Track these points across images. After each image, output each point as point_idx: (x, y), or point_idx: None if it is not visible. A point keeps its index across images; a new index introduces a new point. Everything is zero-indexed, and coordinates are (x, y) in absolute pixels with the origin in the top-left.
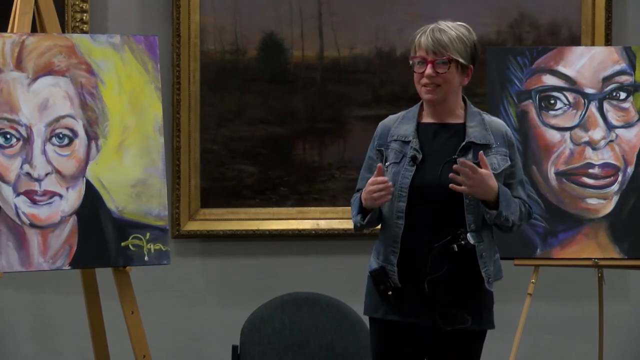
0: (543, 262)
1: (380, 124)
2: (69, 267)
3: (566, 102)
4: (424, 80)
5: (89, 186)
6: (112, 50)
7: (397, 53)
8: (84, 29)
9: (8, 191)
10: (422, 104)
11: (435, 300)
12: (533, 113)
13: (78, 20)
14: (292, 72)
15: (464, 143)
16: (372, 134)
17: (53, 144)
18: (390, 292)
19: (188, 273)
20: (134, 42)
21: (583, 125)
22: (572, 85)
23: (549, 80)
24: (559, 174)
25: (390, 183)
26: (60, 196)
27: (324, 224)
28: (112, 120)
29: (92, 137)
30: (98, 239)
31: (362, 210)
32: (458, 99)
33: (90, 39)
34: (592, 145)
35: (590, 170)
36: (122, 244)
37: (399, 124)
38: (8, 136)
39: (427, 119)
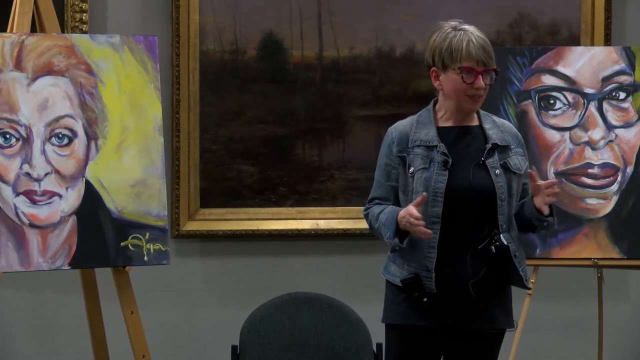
0: (543, 262)
1: (392, 129)
2: (69, 267)
3: (566, 102)
4: (472, 92)
5: (89, 186)
6: (112, 50)
7: (396, 53)
8: (84, 29)
9: (7, 191)
10: (434, 108)
11: (476, 302)
12: (532, 113)
13: (77, 20)
14: (291, 72)
15: (489, 145)
16: (372, 134)
17: (52, 144)
18: (425, 299)
19: (187, 273)
20: (133, 42)
21: (582, 125)
22: (572, 85)
23: (549, 80)
24: (558, 174)
25: (422, 191)
26: (60, 196)
27: (323, 224)
28: (112, 120)
29: (91, 137)
30: (97, 239)
31: (399, 233)
32: None
33: (90, 39)
34: (592, 145)
35: (590, 170)
36: (122, 244)
37: (418, 129)
38: (7, 136)
39: (445, 123)
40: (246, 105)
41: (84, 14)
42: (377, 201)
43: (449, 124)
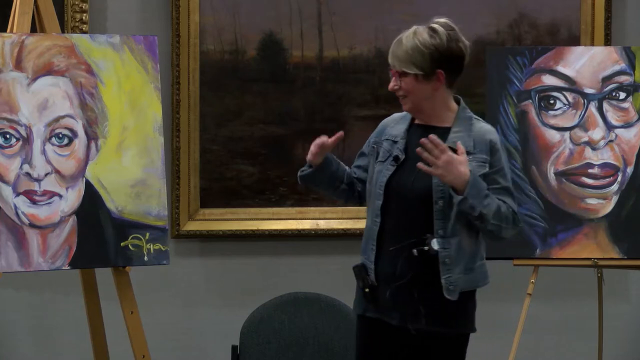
0: (542, 262)
1: (383, 120)
2: (69, 267)
3: (566, 102)
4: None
5: (89, 186)
6: (112, 50)
7: None
8: (84, 29)
9: (7, 191)
10: None
11: (403, 301)
12: (532, 113)
13: (77, 20)
14: (291, 72)
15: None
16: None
17: (53, 144)
18: (367, 290)
19: (187, 273)
20: (133, 42)
21: (582, 125)
22: (572, 85)
23: (549, 80)
24: (558, 174)
25: (319, 141)
26: (60, 196)
27: (323, 224)
28: (112, 120)
29: (91, 137)
30: (97, 239)
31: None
32: (438, 105)
33: (90, 39)
34: (592, 145)
35: (590, 170)
36: (122, 244)
37: (396, 124)
38: (8, 136)
39: (419, 121)
40: (246, 105)
41: (84, 14)
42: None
43: (420, 122)
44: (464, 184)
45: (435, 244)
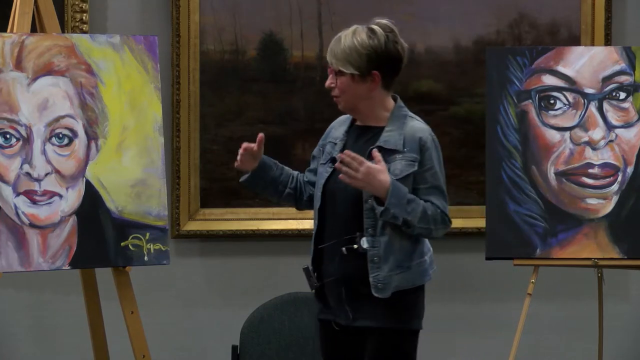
0: (542, 262)
1: (331, 124)
2: (69, 267)
3: (566, 102)
4: (332, 92)
5: (89, 186)
6: (112, 50)
7: None
8: (84, 29)
9: (8, 191)
10: None
11: (339, 300)
12: (533, 113)
13: (78, 20)
14: (291, 72)
15: (371, 147)
16: None
17: (53, 144)
18: (313, 290)
19: (188, 273)
20: (133, 42)
21: (583, 125)
22: (572, 85)
23: (549, 80)
24: (558, 174)
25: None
26: (60, 196)
27: None
28: (112, 120)
29: (91, 137)
30: (98, 239)
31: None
32: (373, 105)
33: (90, 39)
34: (592, 145)
35: (590, 170)
36: (122, 244)
37: (339, 126)
38: (8, 136)
39: (359, 122)
40: (246, 105)
41: (84, 14)
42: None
43: (359, 123)
44: (385, 193)
45: (364, 243)
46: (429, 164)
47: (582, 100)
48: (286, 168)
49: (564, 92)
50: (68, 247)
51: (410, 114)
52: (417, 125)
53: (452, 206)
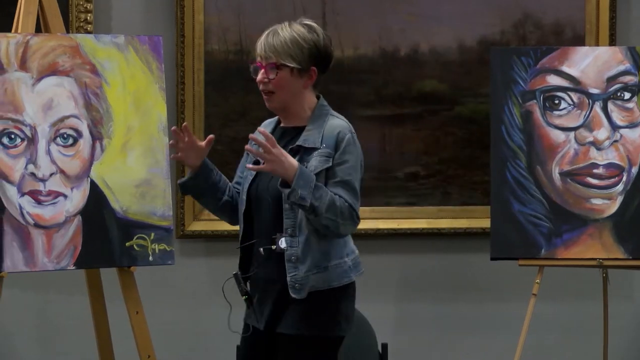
0: (547, 262)
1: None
2: (74, 267)
3: (570, 102)
4: (260, 87)
5: (94, 186)
6: (116, 50)
7: (400, 53)
8: (88, 29)
9: (12, 191)
10: None
11: (265, 304)
12: (537, 113)
13: (82, 20)
14: None
15: (291, 146)
16: (376, 134)
17: (57, 144)
18: (243, 296)
19: (192, 273)
20: (138, 43)
21: (587, 125)
22: (577, 85)
23: (553, 80)
24: (563, 174)
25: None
26: (65, 196)
27: None
28: (117, 121)
29: (96, 137)
30: (102, 239)
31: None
32: (302, 103)
33: (95, 39)
34: (597, 145)
35: (595, 171)
36: (127, 244)
37: (264, 127)
38: (12, 136)
39: (283, 123)
40: (251, 105)
41: (89, 14)
42: None
43: (283, 123)
44: (291, 175)
45: (282, 243)
46: (341, 159)
47: (587, 101)
48: (223, 175)
49: (569, 92)
50: (73, 247)
51: (333, 112)
52: (337, 122)
53: (456, 206)
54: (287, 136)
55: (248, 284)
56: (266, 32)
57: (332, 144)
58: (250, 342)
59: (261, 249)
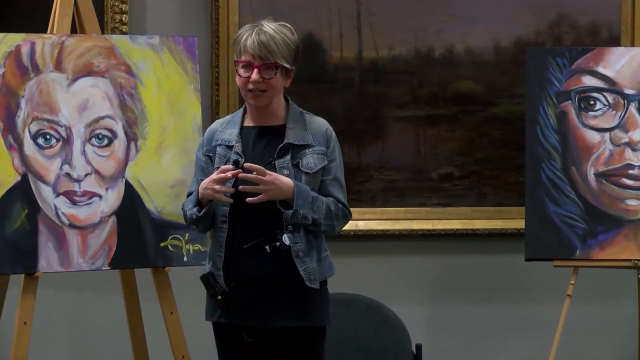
0: (582, 263)
1: (208, 129)
2: (108, 268)
3: (606, 102)
4: (250, 86)
5: (128, 187)
6: (151, 51)
7: (435, 54)
8: (123, 30)
9: (48, 192)
10: (245, 108)
11: (260, 301)
12: (572, 114)
13: (117, 21)
14: (330, 73)
15: (281, 145)
16: (411, 135)
17: (92, 145)
18: (219, 297)
19: None
20: (172, 43)
21: (623, 126)
22: (612, 86)
23: (589, 81)
24: (598, 175)
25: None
26: (100, 197)
27: (362, 225)
28: (151, 121)
29: (131, 137)
30: (137, 239)
31: (199, 204)
32: (280, 102)
33: (130, 39)
34: (632, 146)
35: (630, 172)
36: (161, 244)
37: (224, 129)
38: (48, 137)
39: (249, 123)
40: None
41: (124, 15)
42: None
43: (251, 123)
44: (291, 193)
45: (286, 240)
46: (332, 156)
47: (622, 101)
48: None
49: (604, 93)
50: (108, 247)
51: (304, 110)
52: (319, 120)
53: (491, 207)
54: (265, 135)
55: (222, 282)
56: (250, 31)
57: (323, 142)
58: (233, 340)
59: (267, 247)
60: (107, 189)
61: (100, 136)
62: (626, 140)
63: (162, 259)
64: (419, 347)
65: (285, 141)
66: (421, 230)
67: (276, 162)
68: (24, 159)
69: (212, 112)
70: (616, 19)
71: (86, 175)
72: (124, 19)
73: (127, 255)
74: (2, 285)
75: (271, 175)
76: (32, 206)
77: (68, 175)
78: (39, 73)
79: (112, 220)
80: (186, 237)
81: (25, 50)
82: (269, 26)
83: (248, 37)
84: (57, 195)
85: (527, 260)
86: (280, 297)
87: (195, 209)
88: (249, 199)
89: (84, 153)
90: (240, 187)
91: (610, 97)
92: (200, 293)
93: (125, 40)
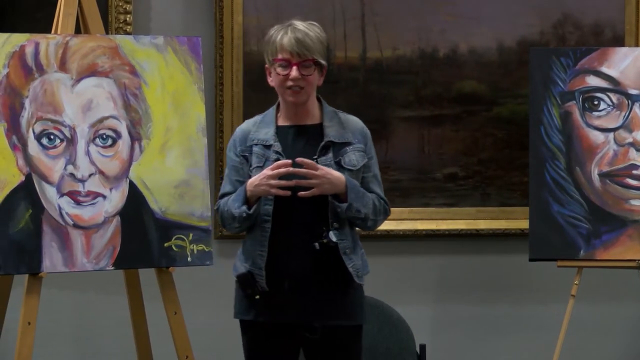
0: (586, 263)
1: (237, 129)
2: (112, 268)
3: (610, 103)
4: (289, 83)
5: (132, 187)
6: (155, 51)
7: (439, 54)
8: (127, 30)
9: (52, 192)
10: (277, 107)
11: (304, 299)
12: (576, 114)
13: (121, 21)
14: (335, 73)
15: (323, 142)
16: (415, 135)
17: (96, 145)
18: (257, 297)
19: (231, 274)
20: (177, 43)
21: (627, 126)
22: (616, 86)
23: (593, 81)
24: (602, 175)
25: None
26: (104, 197)
27: None
28: (156, 121)
29: (135, 138)
30: (141, 239)
31: (247, 201)
32: (314, 100)
33: (134, 40)
34: (636, 146)
35: (634, 172)
36: (165, 244)
37: (258, 128)
38: (52, 137)
39: (284, 122)
40: None
41: (128, 15)
42: (226, 197)
43: (287, 122)
44: (344, 188)
45: (333, 237)
46: (371, 153)
47: (626, 101)
48: None
49: (608, 93)
50: (112, 247)
51: (335, 109)
52: (353, 118)
53: (495, 207)
54: (304, 134)
55: (263, 281)
56: (284, 30)
57: (361, 139)
58: (268, 338)
59: (316, 244)
60: (111, 189)
61: (104, 136)
62: (630, 140)
63: (166, 259)
64: (422, 347)
65: (326, 139)
66: (425, 231)
67: (318, 160)
68: (28, 159)
69: (216, 112)
70: (620, 18)
71: (90, 175)
72: (128, 19)
73: (131, 256)
74: (6, 286)
75: (323, 169)
76: (36, 206)
77: (72, 175)
78: (43, 73)
79: (116, 221)
80: (190, 237)
81: (29, 50)
82: (301, 24)
83: (284, 36)
84: (61, 195)
85: (531, 260)
86: (325, 295)
87: (244, 207)
88: (301, 193)
89: (88, 153)
90: (294, 180)
91: (614, 97)
92: (204, 293)
93: (129, 41)
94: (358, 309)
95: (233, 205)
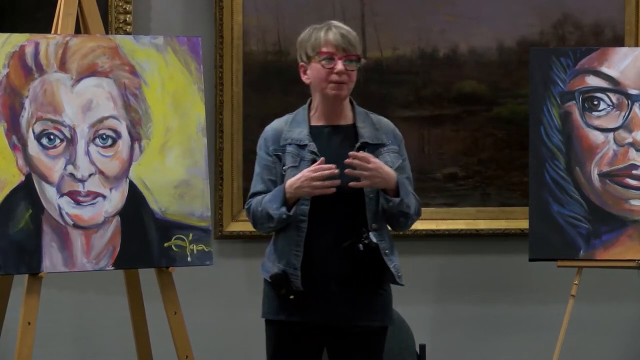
0: (586, 263)
1: (268, 128)
2: (112, 268)
3: (609, 103)
4: (334, 77)
5: (132, 187)
6: (155, 51)
7: (439, 54)
8: (127, 30)
9: (52, 192)
10: (309, 107)
11: (347, 300)
12: (576, 114)
13: (121, 21)
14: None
15: (358, 144)
16: (415, 135)
17: (96, 145)
18: (292, 297)
19: (230, 274)
20: (177, 43)
21: (627, 126)
22: (616, 86)
23: (593, 81)
24: (602, 175)
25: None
26: (104, 197)
27: None
28: (155, 121)
29: (135, 138)
30: (141, 239)
31: (286, 203)
32: (348, 100)
33: (134, 40)
34: (636, 146)
35: (634, 172)
36: (165, 244)
37: (291, 128)
38: (52, 137)
39: (317, 122)
40: (289, 106)
41: (128, 15)
42: (258, 196)
43: (321, 122)
44: (395, 184)
45: (373, 237)
46: (404, 155)
47: (626, 101)
48: None
49: (608, 93)
50: (112, 247)
51: (366, 110)
52: (385, 119)
53: (495, 207)
54: (337, 134)
55: (297, 281)
56: (326, 27)
57: (395, 140)
58: (297, 338)
59: (360, 246)
60: (111, 189)
61: (104, 136)
62: (630, 140)
63: (166, 259)
64: (422, 347)
65: (361, 140)
66: (425, 231)
67: (348, 153)
68: (28, 159)
69: (216, 112)
70: (620, 18)
71: (90, 175)
72: (127, 19)
73: (131, 256)
74: (6, 285)
75: (376, 162)
76: (36, 206)
77: (72, 175)
78: (43, 73)
79: (116, 221)
80: (190, 237)
81: (29, 50)
82: (340, 24)
83: (328, 31)
84: (61, 195)
85: (531, 260)
86: (363, 296)
87: (283, 209)
88: (351, 183)
89: (88, 153)
90: (347, 170)
91: (614, 97)
92: (204, 293)
93: (129, 41)
94: (388, 309)
95: (271, 206)
